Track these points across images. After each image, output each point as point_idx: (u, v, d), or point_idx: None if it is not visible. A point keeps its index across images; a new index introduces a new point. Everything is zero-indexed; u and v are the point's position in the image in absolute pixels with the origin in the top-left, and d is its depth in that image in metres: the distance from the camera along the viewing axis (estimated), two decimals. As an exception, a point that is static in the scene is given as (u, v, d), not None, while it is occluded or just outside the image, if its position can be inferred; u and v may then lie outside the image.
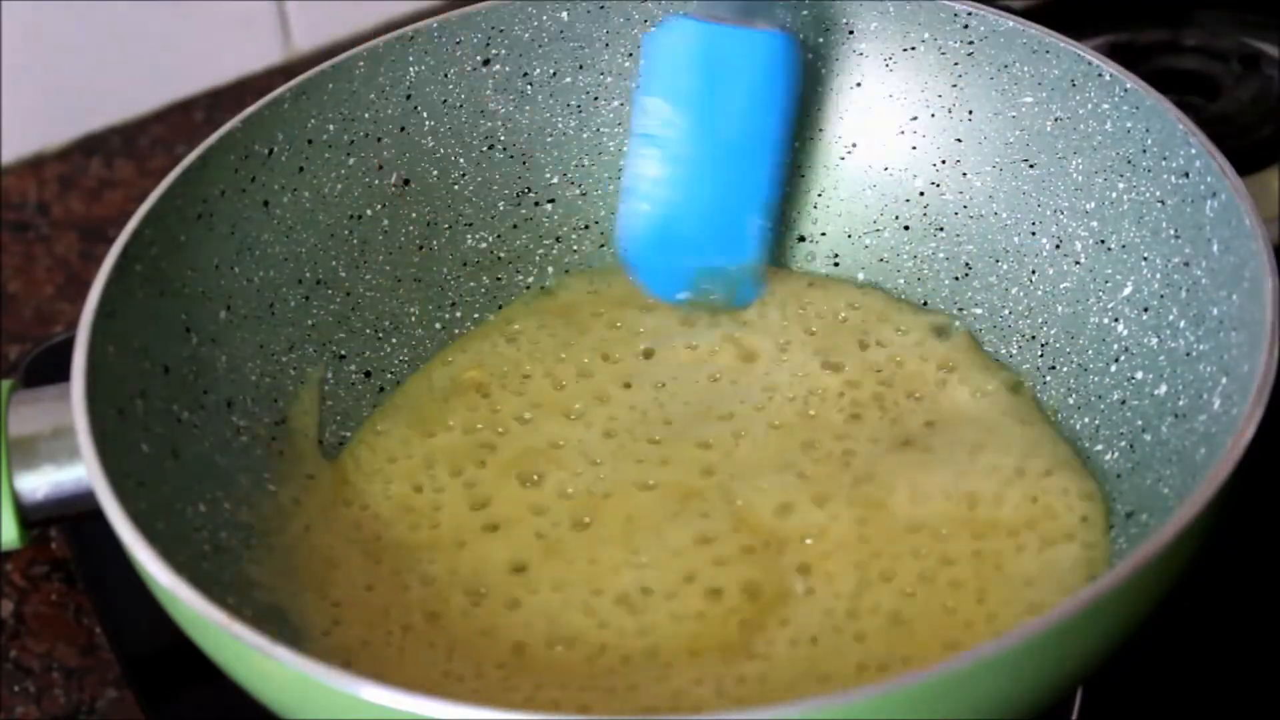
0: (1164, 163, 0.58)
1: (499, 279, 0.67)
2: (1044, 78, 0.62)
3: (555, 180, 0.68)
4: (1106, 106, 0.60)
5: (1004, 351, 0.63)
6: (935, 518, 0.56)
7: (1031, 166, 0.63)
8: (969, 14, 0.63)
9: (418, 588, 0.57)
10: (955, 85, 0.64)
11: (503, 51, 0.67)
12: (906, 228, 0.66)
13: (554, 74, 0.67)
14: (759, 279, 0.64)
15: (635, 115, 0.64)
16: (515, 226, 0.68)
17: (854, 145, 0.67)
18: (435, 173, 0.67)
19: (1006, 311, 0.63)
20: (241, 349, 0.61)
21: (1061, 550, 0.55)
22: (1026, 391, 0.61)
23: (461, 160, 0.67)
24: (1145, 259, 0.59)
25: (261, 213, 0.63)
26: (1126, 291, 0.59)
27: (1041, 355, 0.62)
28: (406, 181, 0.66)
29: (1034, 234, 0.63)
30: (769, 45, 0.62)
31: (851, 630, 0.54)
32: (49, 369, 0.69)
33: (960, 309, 0.64)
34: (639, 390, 0.62)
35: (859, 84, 0.66)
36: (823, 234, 0.67)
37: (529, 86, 0.67)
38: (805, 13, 0.65)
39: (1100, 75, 0.60)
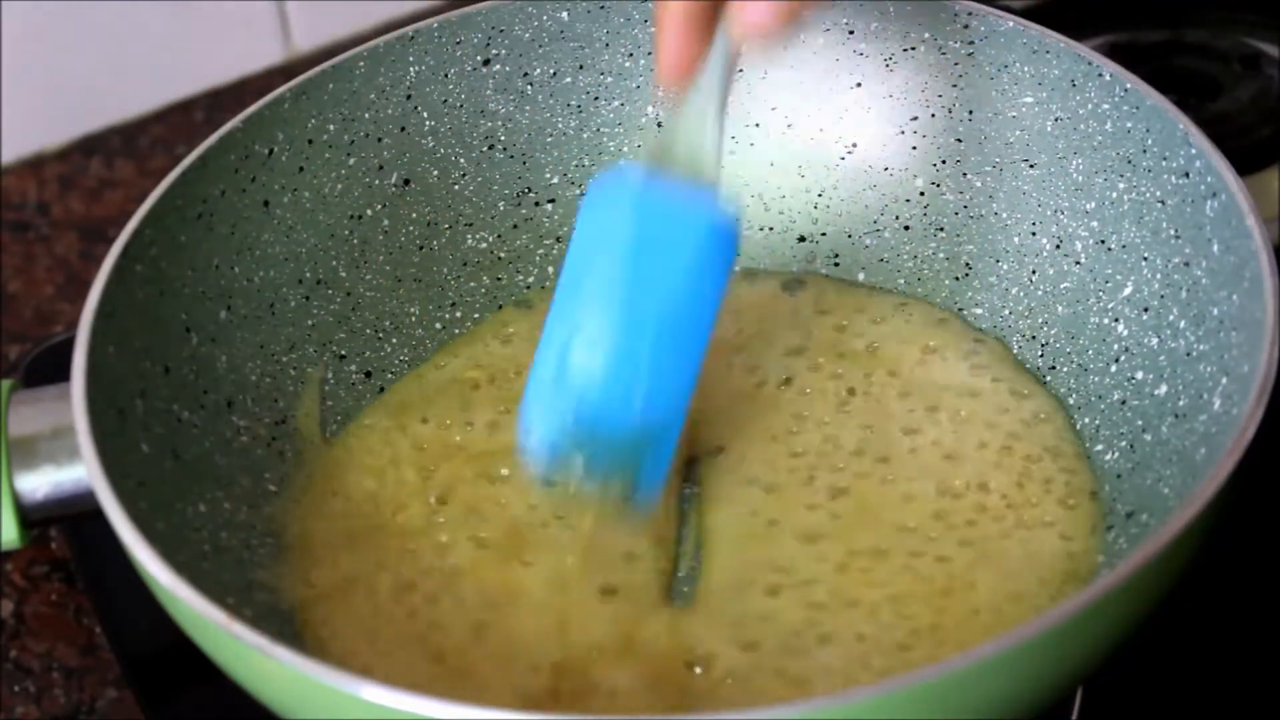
0: (1164, 163, 0.58)
1: (499, 279, 0.67)
2: (1044, 78, 0.62)
3: (555, 180, 0.68)
4: (1106, 106, 0.60)
5: (1004, 351, 0.63)
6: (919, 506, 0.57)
7: (1031, 166, 0.63)
8: (969, 14, 0.63)
9: (405, 580, 0.57)
10: (955, 85, 0.64)
11: (503, 51, 0.67)
12: (906, 228, 0.66)
13: (554, 74, 0.67)
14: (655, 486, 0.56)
15: (565, 262, 0.56)
16: (515, 226, 0.68)
17: (854, 145, 0.67)
18: (435, 173, 0.67)
19: (1006, 311, 0.63)
20: (241, 349, 0.61)
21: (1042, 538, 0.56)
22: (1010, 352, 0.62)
23: (461, 160, 0.67)
24: (1145, 259, 0.59)
25: (261, 213, 0.63)
26: (1126, 291, 0.59)
27: (1041, 355, 0.62)
28: (406, 181, 0.66)
29: (1034, 234, 0.63)
30: (710, 229, 0.54)
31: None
32: (49, 369, 0.69)
33: (960, 309, 0.64)
34: None
35: (859, 84, 0.66)
36: (823, 234, 0.67)
37: (529, 86, 0.67)
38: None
39: (1100, 75, 0.60)
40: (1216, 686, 0.58)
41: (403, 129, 0.66)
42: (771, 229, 0.67)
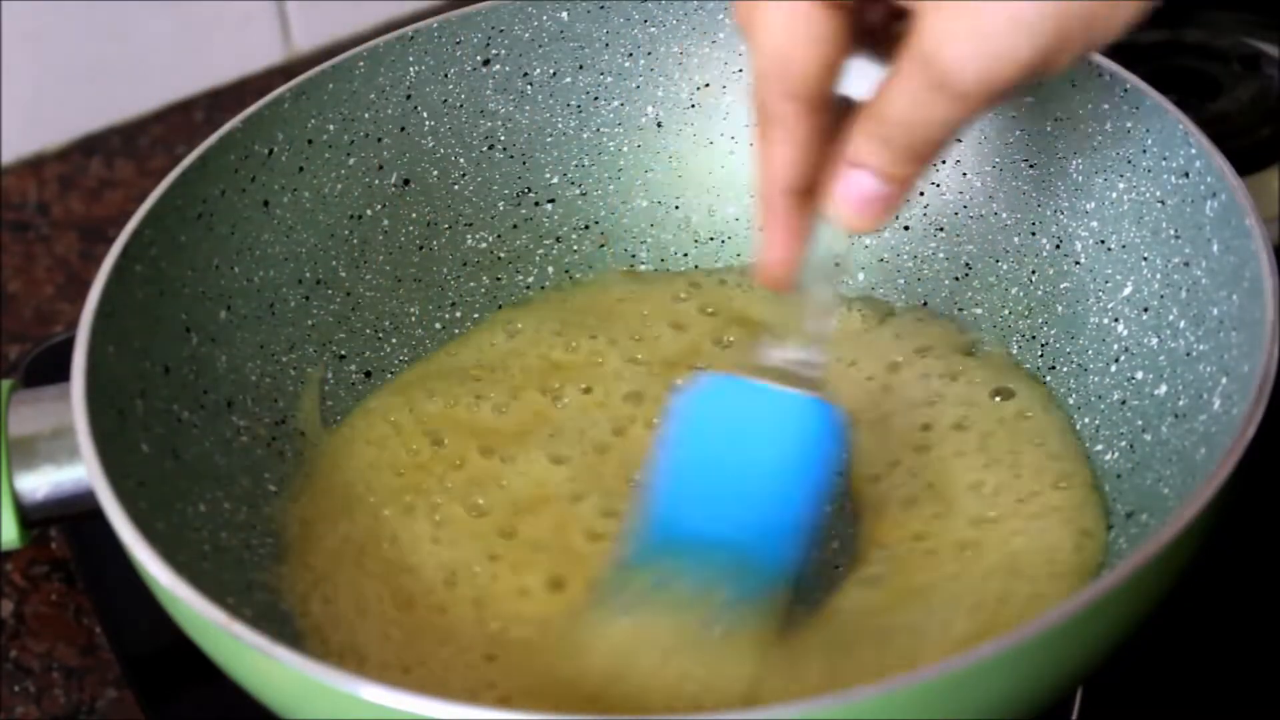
0: (1164, 163, 0.58)
1: (499, 279, 0.67)
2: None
3: (555, 180, 0.68)
4: (1106, 106, 0.60)
5: (1004, 351, 0.63)
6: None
7: (1031, 166, 0.63)
8: (969, 14, 0.63)
9: (399, 575, 0.57)
10: (955, 85, 0.64)
11: (503, 51, 0.67)
12: (906, 228, 0.66)
13: (554, 74, 0.67)
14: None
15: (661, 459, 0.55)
16: (515, 226, 0.68)
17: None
18: (435, 173, 0.67)
19: (1006, 311, 0.63)
20: (241, 349, 0.61)
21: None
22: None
23: (461, 160, 0.67)
24: (1145, 259, 0.59)
25: (261, 213, 0.63)
26: (1126, 291, 0.59)
27: (1041, 355, 0.62)
28: (406, 181, 0.66)
29: (1034, 234, 0.63)
30: (808, 412, 0.54)
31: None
32: (49, 369, 0.69)
33: (960, 309, 0.64)
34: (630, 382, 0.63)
35: (859, 84, 0.66)
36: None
37: (529, 86, 0.67)
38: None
39: (1100, 75, 0.60)
40: (1216, 686, 0.58)
41: (403, 129, 0.66)
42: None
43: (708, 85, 0.68)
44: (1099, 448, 0.58)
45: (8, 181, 0.84)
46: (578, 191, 0.68)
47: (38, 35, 0.82)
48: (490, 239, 0.67)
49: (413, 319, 0.66)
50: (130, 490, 0.52)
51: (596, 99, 0.68)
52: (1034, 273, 0.63)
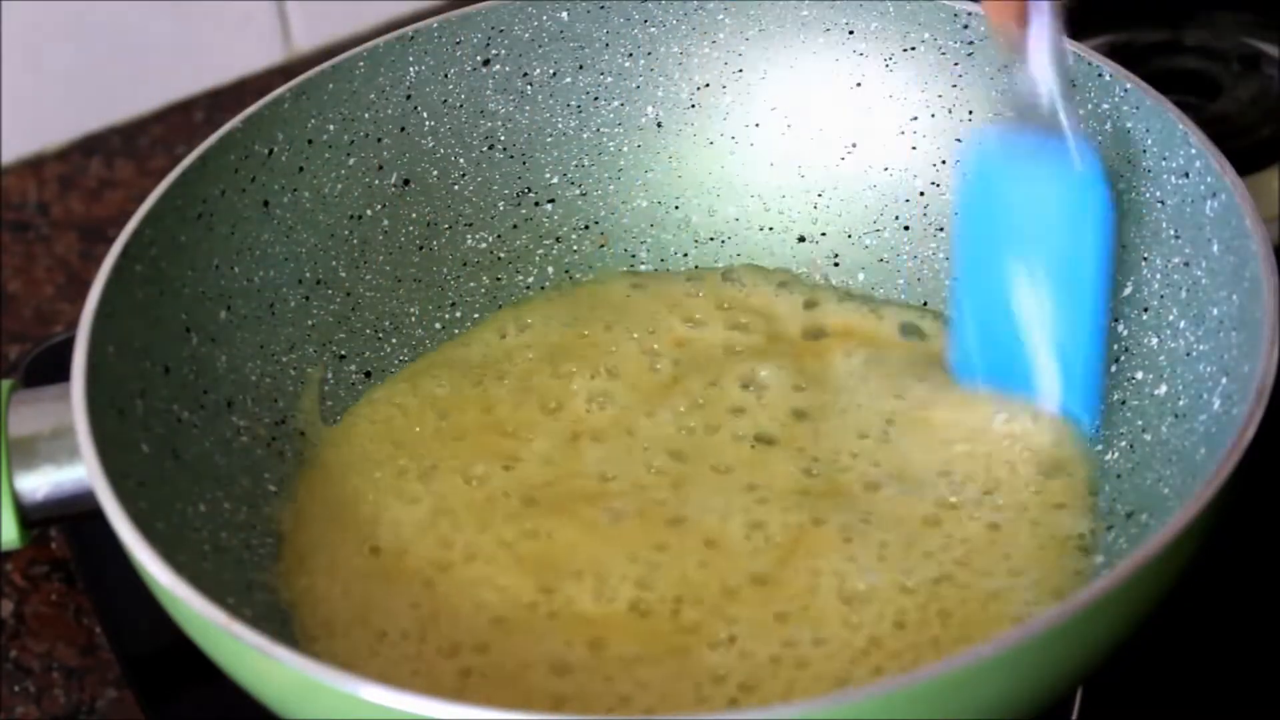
0: (1164, 163, 0.58)
1: (499, 279, 0.67)
2: (1044, 78, 0.62)
3: (555, 180, 0.68)
4: (1106, 106, 0.60)
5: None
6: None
7: (1031, 166, 0.63)
8: (969, 14, 0.63)
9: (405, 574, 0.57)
10: (955, 85, 0.64)
11: (503, 51, 0.67)
12: (906, 228, 0.66)
13: (554, 74, 0.67)
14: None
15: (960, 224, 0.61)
16: (515, 226, 0.68)
17: (854, 145, 0.67)
18: (435, 173, 0.67)
19: (1006, 311, 0.63)
20: (241, 349, 0.61)
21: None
22: None
23: (461, 160, 0.67)
24: (1145, 259, 0.59)
25: (261, 213, 0.63)
26: (1126, 291, 0.59)
27: (1041, 355, 0.62)
28: (406, 181, 0.66)
29: (1034, 234, 0.63)
30: (1080, 189, 0.57)
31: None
32: (49, 369, 0.69)
33: (960, 309, 0.64)
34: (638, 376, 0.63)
35: (859, 84, 0.66)
36: (823, 234, 0.67)
37: (529, 86, 0.67)
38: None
39: (1100, 75, 0.60)
40: (1216, 686, 0.58)
41: (403, 129, 0.66)
42: (771, 229, 0.67)
43: (708, 85, 0.68)
44: (1099, 448, 0.58)
45: (8, 181, 0.84)
46: (578, 191, 0.68)
47: (38, 35, 0.82)
48: (490, 239, 0.67)
49: (413, 319, 0.66)
50: (130, 490, 0.52)
51: (596, 99, 0.68)
52: (1034, 273, 0.63)
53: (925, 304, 0.65)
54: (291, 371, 0.62)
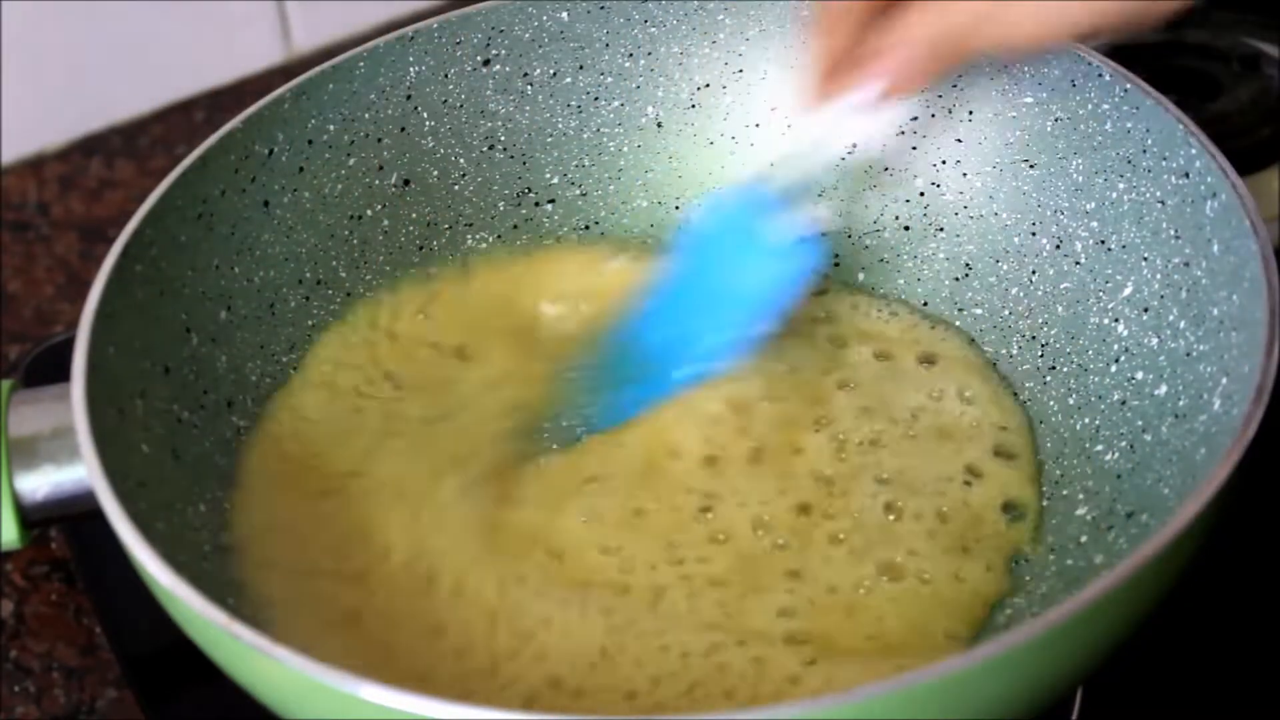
0: (1164, 163, 0.58)
1: (499, 279, 0.67)
2: (1044, 78, 0.62)
3: (555, 180, 0.68)
4: (1106, 106, 0.60)
5: (1004, 351, 0.63)
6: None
7: (1031, 166, 0.63)
8: (969, 14, 0.63)
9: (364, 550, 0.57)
10: (955, 85, 0.64)
11: (503, 51, 0.67)
12: (906, 228, 0.66)
13: (554, 74, 0.67)
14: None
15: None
16: (515, 226, 0.68)
17: (854, 145, 0.66)
18: (435, 173, 0.67)
19: (1006, 312, 0.63)
20: (241, 349, 0.61)
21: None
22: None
23: (461, 160, 0.67)
24: (1145, 259, 0.59)
25: (261, 213, 0.63)
26: (1126, 292, 0.59)
27: (1041, 355, 0.62)
28: (406, 181, 0.66)
29: (1034, 234, 0.63)
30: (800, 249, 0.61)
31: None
32: (49, 369, 0.69)
33: (960, 309, 0.64)
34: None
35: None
36: (823, 234, 0.67)
37: (529, 86, 0.67)
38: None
39: (1100, 75, 0.60)
40: (1216, 686, 0.58)
41: (403, 129, 0.66)
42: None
43: (708, 85, 0.68)
44: (1099, 448, 0.58)
45: (8, 181, 0.84)
46: (578, 191, 0.68)
47: (38, 35, 0.82)
48: (490, 239, 0.67)
49: (413, 319, 0.66)
50: (130, 490, 0.52)
51: (596, 99, 0.68)
52: (1034, 273, 0.63)
53: (925, 304, 0.65)
54: (291, 371, 0.62)
